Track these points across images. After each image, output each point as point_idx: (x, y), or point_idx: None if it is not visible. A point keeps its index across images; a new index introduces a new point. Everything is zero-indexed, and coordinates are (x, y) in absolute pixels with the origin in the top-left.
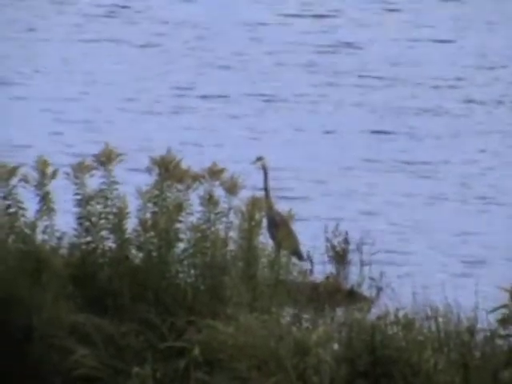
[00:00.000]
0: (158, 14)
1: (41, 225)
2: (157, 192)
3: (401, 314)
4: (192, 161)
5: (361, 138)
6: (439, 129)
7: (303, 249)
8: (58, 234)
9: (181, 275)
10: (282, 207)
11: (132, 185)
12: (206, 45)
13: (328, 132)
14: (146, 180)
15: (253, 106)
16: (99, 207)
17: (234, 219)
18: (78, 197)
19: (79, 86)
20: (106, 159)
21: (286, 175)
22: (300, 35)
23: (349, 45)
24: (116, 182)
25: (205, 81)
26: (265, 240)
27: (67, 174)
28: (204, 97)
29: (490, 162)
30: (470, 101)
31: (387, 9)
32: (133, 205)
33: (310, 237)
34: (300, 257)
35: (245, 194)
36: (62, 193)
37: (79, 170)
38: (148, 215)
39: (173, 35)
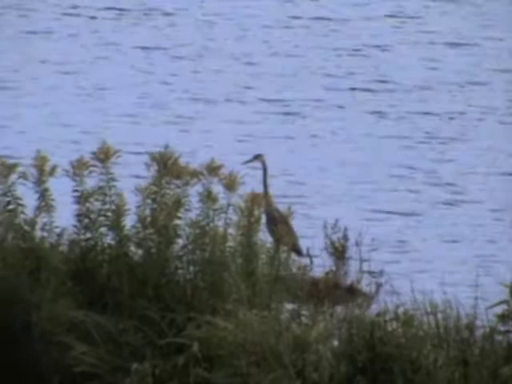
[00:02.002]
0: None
1: (40, 222)
2: (155, 188)
3: (400, 310)
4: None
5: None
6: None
7: (302, 245)
8: (57, 231)
9: (180, 271)
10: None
11: (130, 183)
12: (213, 48)
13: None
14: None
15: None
16: (98, 204)
17: (233, 215)
18: (77, 194)
19: (82, 89)
20: (104, 156)
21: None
22: (307, 39)
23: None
24: (114, 179)
25: (213, 85)
26: (264, 236)
27: (66, 171)
28: (209, 101)
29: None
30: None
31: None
32: (131, 202)
33: (309, 233)
34: (299, 253)
35: (244, 191)
36: (62, 189)
37: (78, 167)
38: (147, 212)
39: (179, 37)
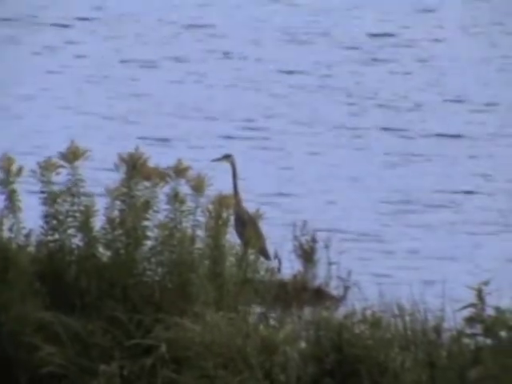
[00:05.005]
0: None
1: (7, 222)
2: (124, 190)
3: (368, 312)
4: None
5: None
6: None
7: (270, 247)
8: (24, 232)
9: (148, 273)
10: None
11: (99, 184)
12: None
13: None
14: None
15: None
16: (66, 205)
17: (202, 217)
18: (44, 195)
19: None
20: (72, 156)
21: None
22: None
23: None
24: (82, 180)
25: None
26: (232, 238)
27: (33, 171)
28: (211, 118)
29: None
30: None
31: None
32: (100, 203)
33: (277, 235)
34: (266, 256)
35: (212, 193)
36: (29, 189)
37: (45, 167)
38: (116, 213)
39: (186, 51)
